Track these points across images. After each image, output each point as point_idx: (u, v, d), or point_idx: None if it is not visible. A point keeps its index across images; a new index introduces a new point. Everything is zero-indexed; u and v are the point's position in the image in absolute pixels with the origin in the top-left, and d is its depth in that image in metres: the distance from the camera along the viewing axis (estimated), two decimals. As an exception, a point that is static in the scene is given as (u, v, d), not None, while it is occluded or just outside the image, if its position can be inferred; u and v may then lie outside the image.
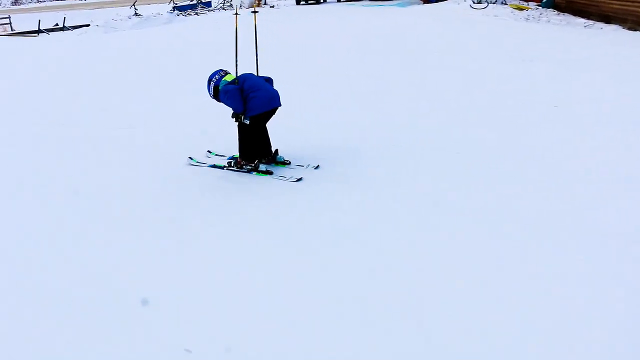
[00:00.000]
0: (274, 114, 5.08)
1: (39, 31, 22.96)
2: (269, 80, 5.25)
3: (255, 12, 5.43)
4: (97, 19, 24.99)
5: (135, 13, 25.32)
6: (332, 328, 2.88)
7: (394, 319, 2.93)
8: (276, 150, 5.28)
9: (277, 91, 5.08)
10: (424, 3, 25.61)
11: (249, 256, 3.66)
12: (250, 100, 4.89)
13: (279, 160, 5.26)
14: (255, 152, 5.13)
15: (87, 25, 25.48)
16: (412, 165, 5.18)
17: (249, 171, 5.10)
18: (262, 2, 29.32)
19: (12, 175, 5.49)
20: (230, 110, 5.15)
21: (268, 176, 4.99)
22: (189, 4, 29.02)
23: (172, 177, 5.13)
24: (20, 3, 60.71)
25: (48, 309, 3.15)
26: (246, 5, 27.77)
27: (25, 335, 2.94)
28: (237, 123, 5.08)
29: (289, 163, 5.26)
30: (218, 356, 2.72)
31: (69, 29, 23.44)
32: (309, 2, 29.71)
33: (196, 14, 25.98)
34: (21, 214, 4.54)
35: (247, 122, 4.93)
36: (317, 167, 5.17)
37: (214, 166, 5.30)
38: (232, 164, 5.24)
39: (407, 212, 4.20)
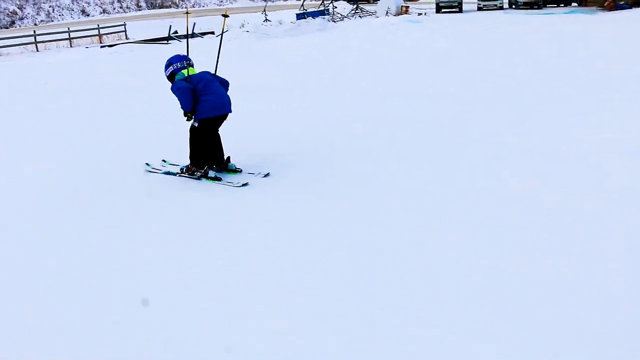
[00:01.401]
0: (224, 120, 5.16)
1: (169, 38, 21.09)
2: (223, 83, 5.26)
3: (225, 15, 5.61)
4: (203, 26, 22.88)
5: (266, 19, 23.42)
6: (332, 328, 2.88)
7: (394, 318, 2.92)
8: (228, 158, 5.37)
9: (229, 97, 5.15)
10: (610, 10, 22.07)
11: (246, 255, 3.69)
12: (201, 103, 4.96)
13: (230, 168, 5.36)
14: (205, 159, 5.21)
15: (212, 33, 23.48)
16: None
17: (199, 177, 5.22)
18: (409, 9, 26.55)
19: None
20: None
21: (217, 182, 5.13)
22: (317, 10, 26.80)
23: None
24: (108, 13, 61.62)
25: (47, 310, 3.17)
26: (393, 12, 25.09)
27: (25, 335, 2.96)
28: (189, 128, 5.13)
29: (240, 171, 5.36)
30: (218, 356, 2.72)
31: (199, 36, 21.42)
32: (444, 10, 27.11)
33: (333, 20, 23.80)
34: (20, 213, 4.63)
35: (196, 124, 5.01)
36: (267, 174, 5.27)
37: (168, 173, 5.47)
38: (184, 171, 5.38)
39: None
